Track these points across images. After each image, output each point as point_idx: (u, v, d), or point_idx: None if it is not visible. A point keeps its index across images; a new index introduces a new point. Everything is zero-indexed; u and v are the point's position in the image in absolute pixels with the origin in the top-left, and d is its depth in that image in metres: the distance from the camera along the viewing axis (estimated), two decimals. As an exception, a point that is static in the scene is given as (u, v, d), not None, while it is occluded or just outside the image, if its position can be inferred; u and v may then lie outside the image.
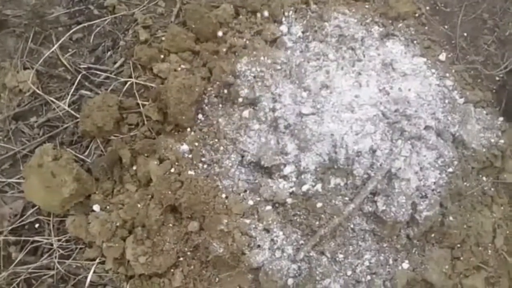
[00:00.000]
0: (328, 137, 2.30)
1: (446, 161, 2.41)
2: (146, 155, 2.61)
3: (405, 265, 2.31)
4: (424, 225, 2.33)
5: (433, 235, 2.45)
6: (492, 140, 2.62)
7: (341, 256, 2.27)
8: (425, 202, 2.31)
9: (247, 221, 2.27)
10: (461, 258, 2.38)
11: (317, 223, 2.22)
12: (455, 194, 2.47)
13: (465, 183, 2.52)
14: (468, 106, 2.68)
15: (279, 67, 2.60)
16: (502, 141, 2.50)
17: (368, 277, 2.29)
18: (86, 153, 2.66)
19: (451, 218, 2.41)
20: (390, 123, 2.34)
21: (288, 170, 2.30)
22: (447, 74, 2.81)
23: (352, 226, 2.29)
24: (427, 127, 2.39)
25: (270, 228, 2.27)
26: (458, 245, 2.40)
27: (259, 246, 2.24)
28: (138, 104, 2.71)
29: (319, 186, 2.24)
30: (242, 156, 2.42)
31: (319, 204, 2.22)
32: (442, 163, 2.40)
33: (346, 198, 2.26)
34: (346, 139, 2.27)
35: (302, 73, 2.55)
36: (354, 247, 2.29)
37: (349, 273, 2.26)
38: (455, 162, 2.44)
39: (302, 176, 2.28)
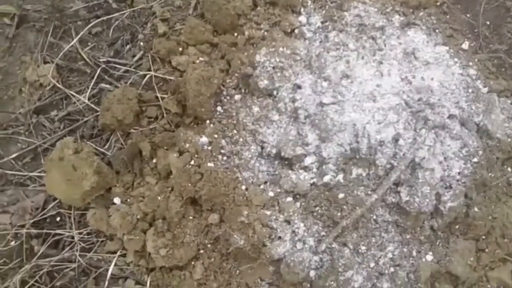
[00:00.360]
0: (349, 127, 2.26)
1: (471, 151, 2.35)
2: (165, 148, 2.61)
3: (429, 257, 2.26)
4: (449, 216, 2.28)
5: (457, 226, 2.40)
6: (517, 130, 2.55)
7: (363, 248, 2.23)
8: (450, 193, 2.26)
9: (268, 212, 2.25)
10: (486, 250, 2.32)
11: (339, 214, 2.19)
12: (480, 184, 2.42)
13: (490, 174, 2.46)
14: (492, 96, 2.62)
15: (298, 58, 2.57)
16: (527, 131, 2.42)
17: (392, 269, 2.25)
18: (106, 146, 2.66)
19: (476, 209, 2.35)
20: (413, 112, 2.29)
21: (309, 161, 2.27)
22: (470, 63, 2.75)
23: (374, 217, 2.25)
24: (451, 116, 2.34)
25: (291, 220, 2.24)
26: (483, 237, 2.34)
27: (280, 237, 2.21)
28: (157, 97, 2.71)
29: (340, 177, 2.21)
30: (262, 148, 2.40)
31: (341, 195, 2.19)
32: (467, 153, 2.35)
33: (369, 189, 2.22)
34: (368, 129, 2.23)
35: (322, 63, 2.52)
36: (377, 238, 2.25)
37: (372, 265, 2.23)
38: (480, 152, 2.38)
39: (323, 167, 2.25)
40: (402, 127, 2.25)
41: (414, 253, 2.32)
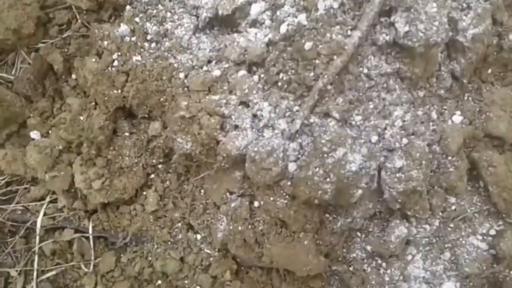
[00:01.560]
0: None
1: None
2: (85, 56, 1.96)
3: (457, 117, 1.64)
4: (474, 51, 1.57)
5: (490, 70, 1.69)
6: None
7: (358, 117, 1.55)
8: (469, 15, 1.54)
9: (216, 97, 1.58)
10: (539, 96, 1.71)
11: (312, 74, 1.50)
12: (511, 5, 1.68)
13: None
14: None
15: None
16: None
17: (404, 141, 1.57)
18: (13, 72, 2.02)
19: (511, 36, 1.62)
20: None
21: (256, 9, 1.58)
22: None
23: (366, 70, 1.55)
24: None
25: (248, 100, 1.58)
26: (532, 78, 1.69)
27: (237, 126, 1.56)
28: (64, -4, 2.05)
29: (302, 18, 1.50)
30: (197, 17, 1.71)
31: (308, 44, 1.48)
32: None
33: (347, 27, 1.50)
34: None
35: None
36: (376, 102, 1.57)
37: (374, 139, 1.55)
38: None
39: (278, 13, 1.55)
40: None
41: (435, 116, 1.64)
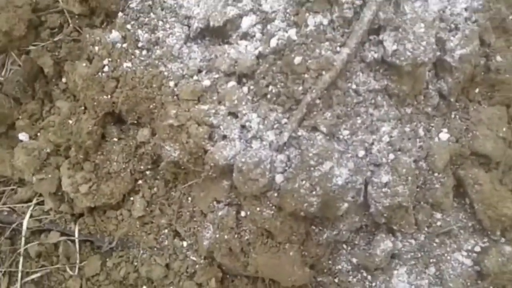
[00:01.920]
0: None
1: (480, -26, 1.63)
2: (76, 60, 1.96)
3: (444, 135, 1.67)
4: (462, 71, 1.59)
5: (477, 90, 1.72)
6: None
7: (346, 132, 1.57)
8: (457, 36, 1.56)
9: (205, 107, 1.59)
10: (524, 117, 1.75)
11: (301, 88, 1.51)
12: (498, 27, 1.71)
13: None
14: None
15: None
16: None
17: (391, 156, 1.59)
18: (3, 73, 2.01)
19: (499, 58, 1.67)
20: None
21: (247, 22, 1.59)
22: None
23: (354, 86, 1.56)
24: None
25: (237, 111, 1.59)
26: (516, 99, 1.71)
27: (225, 136, 1.57)
28: (57, 0, 2.04)
29: (292, 33, 1.51)
30: (189, 26, 1.72)
31: (297, 59, 1.50)
32: (474, -23, 1.63)
33: (336, 43, 1.52)
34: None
35: None
36: (364, 117, 1.59)
37: (361, 153, 1.57)
38: (493, -23, 1.66)
39: (269, 27, 1.56)
40: None
41: (422, 133, 1.66)
